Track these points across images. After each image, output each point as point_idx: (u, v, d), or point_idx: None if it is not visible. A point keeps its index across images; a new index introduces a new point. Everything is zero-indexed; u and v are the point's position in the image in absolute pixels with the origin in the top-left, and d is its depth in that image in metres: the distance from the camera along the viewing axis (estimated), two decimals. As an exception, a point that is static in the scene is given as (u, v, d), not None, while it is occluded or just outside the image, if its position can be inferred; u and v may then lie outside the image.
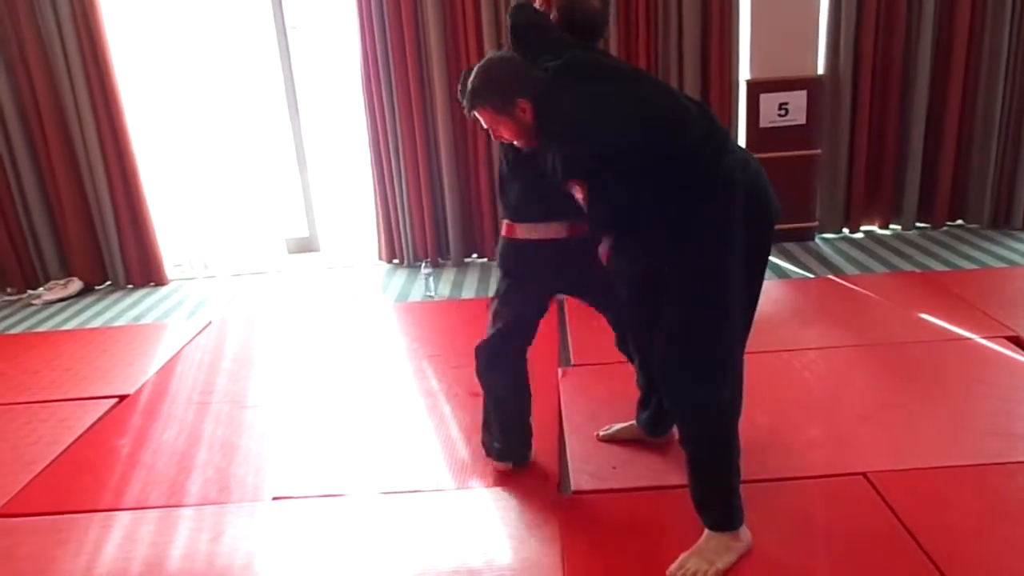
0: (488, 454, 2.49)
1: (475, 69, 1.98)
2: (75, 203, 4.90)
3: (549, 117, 1.90)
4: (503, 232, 2.24)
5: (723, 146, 1.86)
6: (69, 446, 2.86)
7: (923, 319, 3.43)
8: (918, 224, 4.94)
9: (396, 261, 5.08)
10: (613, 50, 4.56)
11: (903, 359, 3.08)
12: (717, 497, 1.96)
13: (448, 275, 4.77)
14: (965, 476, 2.27)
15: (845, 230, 4.97)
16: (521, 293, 2.26)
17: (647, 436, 2.50)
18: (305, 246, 5.41)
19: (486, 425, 2.47)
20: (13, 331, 4.38)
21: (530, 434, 2.47)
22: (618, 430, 2.57)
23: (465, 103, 2.00)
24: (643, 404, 2.48)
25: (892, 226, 4.99)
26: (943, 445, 2.44)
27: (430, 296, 4.38)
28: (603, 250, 1.98)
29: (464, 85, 1.99)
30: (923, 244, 4.63)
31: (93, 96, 4.68)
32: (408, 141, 4.76)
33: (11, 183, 4.85)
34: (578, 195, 1.89)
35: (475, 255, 5.06)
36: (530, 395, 2.44)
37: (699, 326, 1.86)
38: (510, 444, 2.43)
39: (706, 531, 1.97)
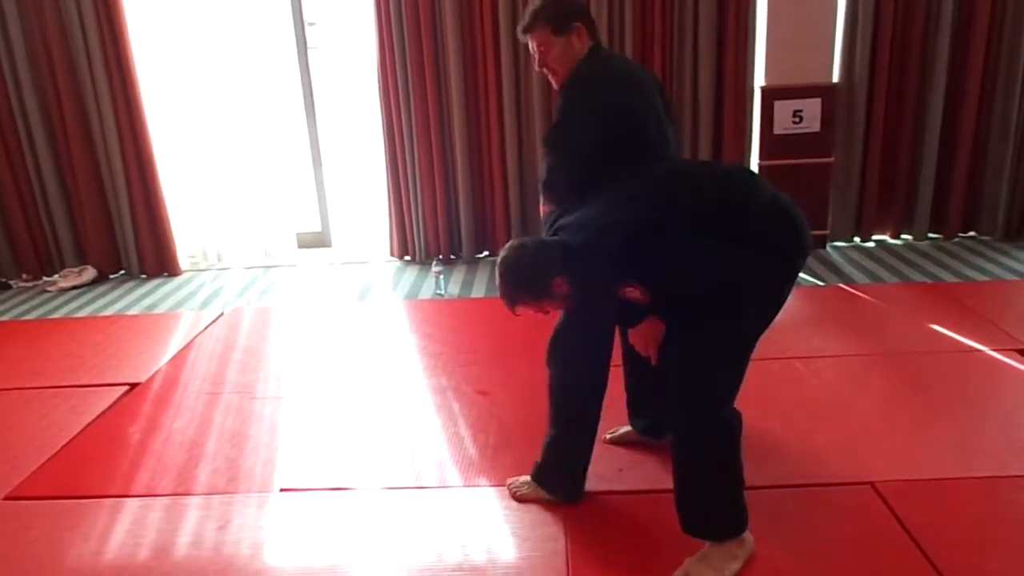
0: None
1: (501, 265, 1.95)
2: (92, 192, 4.95)
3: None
4: None
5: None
6: (80, 432, 2.89)
7: (934, 330, 3.42)
8: (930, 234, 4.92)
9: (408, 257, 5.10)
10: (628, 56, 4.56)
11: (913, 369, 3.07)
12: (719, 509, 1.97)
13: (459, 273, 4.78)
14: (974, 488, 2.27)
15: (856, 239, 4.96)
16: None
17: (649, 440, 2.51)
18: (317, 241, 5.44)
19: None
20: (27, 317, 4.42)
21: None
22: (625, 432, 2.58)
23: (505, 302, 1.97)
24: (636, 411, 2.51)
25: (904, 236, 4.97)
26: (952, 456, 2.44)
27: (440, 295, 4.39)
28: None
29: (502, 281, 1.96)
30: (935, 255, 4.61)
31: (113, 87, 4.73)
32: (423, 137, 4.78)
33: (30, 171, 4.91)
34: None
35: (487, 252, 5.07)
36: None
37: (718, 356, 1.88)
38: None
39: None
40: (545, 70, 2.23)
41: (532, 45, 2.21)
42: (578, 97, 2.13)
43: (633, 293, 1.85)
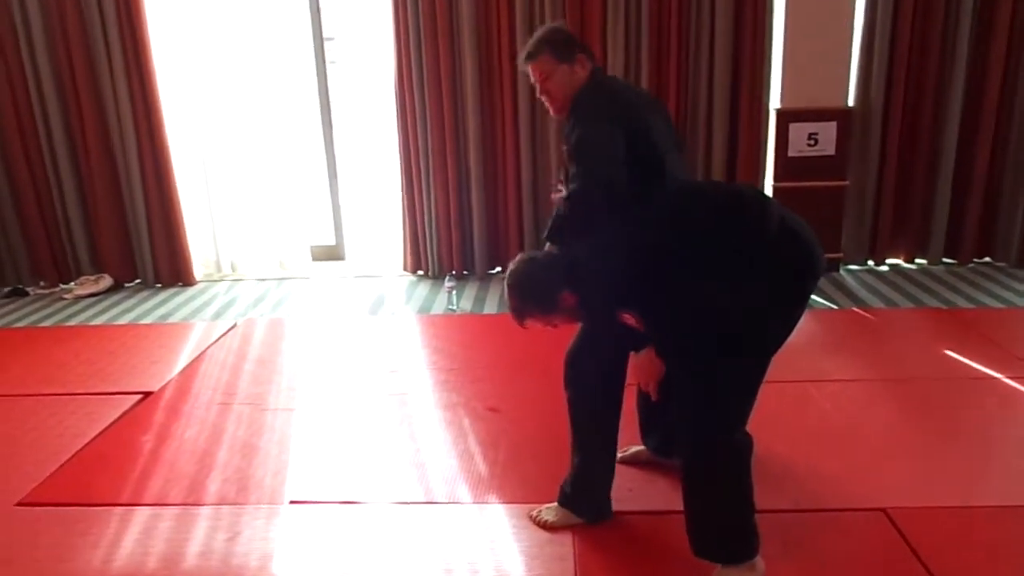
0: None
1: (509, 277, 1.98)
2: (110, 202, 5.00)
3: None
4: None
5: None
6: (93, 439, 2.91)
7: (948, 356, 3.40)
8: (944, 259, 4.90)
9: (421, 272, 5.11)
10: (644, 76, 4.59)
11: (926, 395, 3.06)
12: (729, 532, 1.96)
13: (471, 289, 4.79)
14: (987, 517, 2.25)
15: (870, 262, 4.94)
16: None
17: (661, 460, 2.51)
18: (331, 254, 5.47)
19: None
20: (44, 324, 4.46)
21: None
22: (635, 452, 2.57)
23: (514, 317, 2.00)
24: (648, 429, 2.50)
25: (918, 260, 4.95)
26: (965, 484, 2.42)
27: (452, 310, 4.40)
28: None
29: (511, 294, 1.98)
30: (949, 280, 4.59)
31: (133, 98, 4.79)
32: (438, 153, 4.81)
33: (50, 180, 4.97)
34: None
35: (499, 269, 5.09)
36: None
37: (726, 382, 1.88)
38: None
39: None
40: (544, 96, 2.25)
41: (532, 73, 2.24)
42: (591, 110, 2.12)
43: (628, 319, 1.87)
